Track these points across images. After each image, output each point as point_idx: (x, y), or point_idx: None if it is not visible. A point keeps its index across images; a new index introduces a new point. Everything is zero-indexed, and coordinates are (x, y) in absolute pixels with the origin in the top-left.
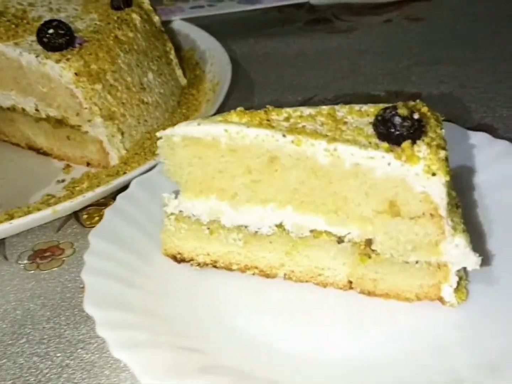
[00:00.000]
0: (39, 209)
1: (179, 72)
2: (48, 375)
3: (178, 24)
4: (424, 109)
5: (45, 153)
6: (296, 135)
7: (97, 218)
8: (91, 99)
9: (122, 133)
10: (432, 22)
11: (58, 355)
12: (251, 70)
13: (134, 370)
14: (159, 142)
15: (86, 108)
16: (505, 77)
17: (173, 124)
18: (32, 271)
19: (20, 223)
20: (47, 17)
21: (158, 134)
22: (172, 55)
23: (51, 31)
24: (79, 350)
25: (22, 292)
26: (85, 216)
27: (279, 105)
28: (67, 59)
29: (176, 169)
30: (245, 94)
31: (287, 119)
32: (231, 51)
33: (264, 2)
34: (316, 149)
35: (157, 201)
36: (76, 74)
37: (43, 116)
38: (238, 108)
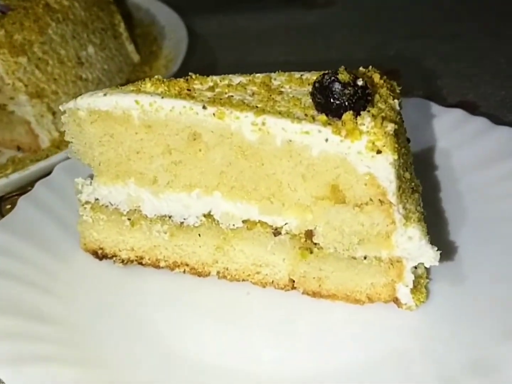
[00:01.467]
0: None
1: (130, 47)
2: None
3: None
4: (376, 76)
5: None
6: (218, 107)
7: None
8: (14, 74)
9: (53, 113)
10: None
11: None
12: (216, 48)
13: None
14: (63, 118)
15: (8, 84)
16: (489, 53)
17: None
18: None
19: None
20: None
21: (60, 107)
22: (122, 28)
23: None
24: None
25: None
26: (8, 207)
27: None
28: None
29: (86, 150)
30: (205, 74)
31: (211, 88)
32: (198, 27)
33: None
34: (242, 123)
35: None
36: None
37: None
38: (156, 76)
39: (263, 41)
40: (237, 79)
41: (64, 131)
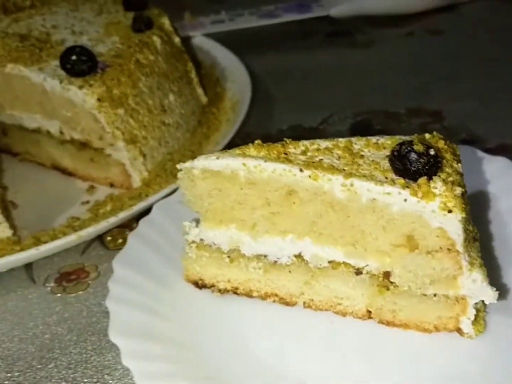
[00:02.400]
0: (64, 233)
1: (199, 90)
2: None
3: (199, 40)
4: (440, 142)
5: (70, 174)
6: (313, 170)
7: (120, 240)
8: (114, 124)
9: (144, 156)
10: (453, 35)
11: (85, 380)
12: (270, 86)
13: None
14: (179, 174)
15: (108, 133)
16: None
17: (194, 144)
18: (58, 295)
19: (46, 248)
20: (70, 40)
21: (178, 166)
22: (193, 74)
23: (74, 57)
24: (105, 376)
25: (49, 316)
26: (109, 238)
27: (298, 124)
28: (90, 85)
29: (196, 200)
30: (264, 112)
31: (304, 152)
32: (251, 66)
33: (284, 16)
34: (333, 184)
35: (178, 226)
36: (98, 99)
37: (68, 138)
38: (256, 141)
39: (313, 79)
40: (323, 143)
41: (151, 170)
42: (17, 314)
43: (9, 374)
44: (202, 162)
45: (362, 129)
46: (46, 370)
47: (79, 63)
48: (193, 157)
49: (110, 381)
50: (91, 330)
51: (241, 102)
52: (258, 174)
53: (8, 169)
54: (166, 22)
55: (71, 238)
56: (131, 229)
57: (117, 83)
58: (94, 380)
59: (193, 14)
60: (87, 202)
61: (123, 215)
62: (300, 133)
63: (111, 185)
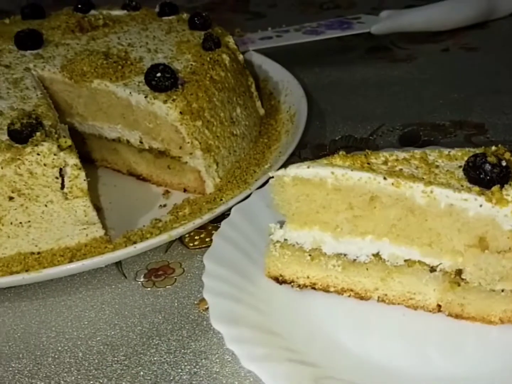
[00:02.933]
0: (151, 233)
1: (258, 103)
2: (180, 381)
3: (251, 55)
4: (507, 154)
5: (144, 179)
6: (395, 178)
7: (198, 241)
8: (193, 134)
9: (217, 163)
10: (487, 51)
11: (185, 363)
12: (319, 99)
13: (263, 380)
14: (271, 181)
15: (188, 143)
16: None
17: (258, 153)
18: (149, 288)
19: (141, 246)
20: (147, 57)
21: (270, 174)
22: (253, 88)
23: (158, 74)
24: (203, 360)
25: (144, 307)
26: (187, 239)
27: (350, 135)
28: (173, 100)
29: (284, 204)
30: (317, 124)
31: (385, 162)
32: (299, 80)
33: (328, 33)
34: (414, 191)
35: (255, 226)
36: (181, 113)
37: (146, 147)
38: (340, 152)
39: (359, 93)
40: (400, 155)
41: (222, 177)
42: (114, 306)
43: (115, 358)
44: (293, 171)
45: (410, 139)
46: (149, 355)
47: (163, 80)
48: (258, 165)
49: (208, 365)
50: (184, 319)
51: (298, 114)
52: (345, 181)
53: (87, 175)
54: (230, 40)
55: (163, 237)
56: (206, 230)
57: (195, 97)
58: (193, 363)
59: (243, 30)
60: (165, 205)
61: (207, 217)
62: (352, 143)
63: (185, 190)
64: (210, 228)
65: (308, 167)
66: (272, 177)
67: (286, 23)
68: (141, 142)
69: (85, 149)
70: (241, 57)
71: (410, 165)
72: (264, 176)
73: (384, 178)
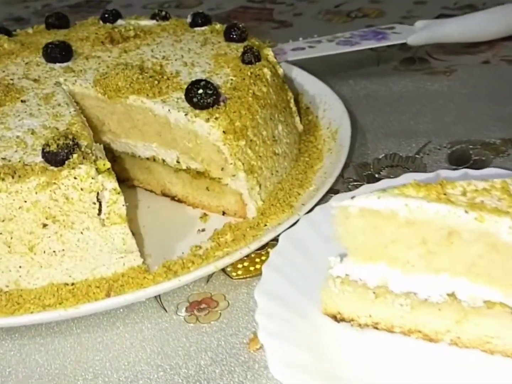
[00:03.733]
0: (192, 262)
1: (297, 119)
2: None
3: (284, 67)
4: None
5: (179, 200)
6: (479, 212)
7: (241, 270)
8: (236, 155)
9: (260, 185)
10: None
11: None
12: (357, 114)
13: None
14: (333, 211)
15: (231, 164)
16: None
17: (300, 173)
18: (192, 324)
19: (186, 279)
20: (184, 72)
21: (333, 203)
22: (292, 103)
23: (200, 91)
24: None
25: (188, 346)
26: (230, 268)
27: (394, 153)
28: (216, 118)
29: (348, 236)
30: (358, 140)
31: (463, 193)
32: (335, 92)
33: (363, 44)
34: (500, 226)
35: (305, 256)
36: (224, 132)
37: (183, 167)
38: (412, 180)
39: (397, 107)
40: (479, 184)
41: (265, 200)
42: (155, 344)
43: None
44: (361, 201)
45: (460, 159)
46: None
47: (205, 96)
48: (301, 186)
49: None
50: (234, 361)
51: (341, 132)
52: (419, 214)
53: None
54: (269, 53)
55: (209, 269)
56: (250, 258)
57: (238, 115)
58: None
59: (274, 40)
60: (203, 230)
61: (254, 246)
62: (398, 162)
63: (224, 213)
64: (253, 255)
65: (379, 198)
66: (336, 207)
67: (314, 32)
68: (178, 161)
69: (116, 167)
70: (281, 70)
71: (492, 196)
72: (311, 199)
73: (466, 212)
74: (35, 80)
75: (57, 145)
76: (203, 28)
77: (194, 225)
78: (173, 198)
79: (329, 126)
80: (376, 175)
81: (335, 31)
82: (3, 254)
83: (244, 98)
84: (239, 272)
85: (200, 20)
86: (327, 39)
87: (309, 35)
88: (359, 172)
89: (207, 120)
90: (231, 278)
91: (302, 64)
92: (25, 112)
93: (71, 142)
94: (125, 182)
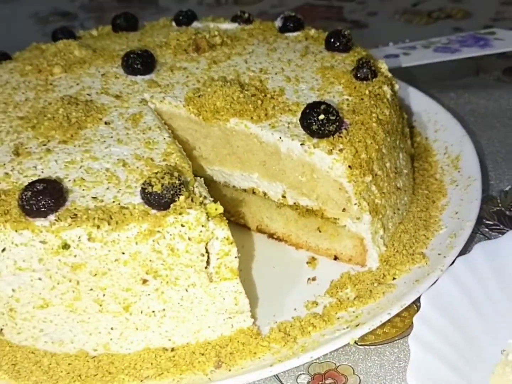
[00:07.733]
0: (313, 325)
1: (409, 142)
2: None
3: None
4: None
5: (278, 239)
6: None
7: (367, 334)
8: (361, 194)
9: (384, 228)
10: None
11: None
12: (468, 133)
13: None
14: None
15: (355, 204)
16: None
17: (422, 210)
18: None
19: (318, 355)
20: (289, 89)
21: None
22: (405, 124)
23: (321, 116)
24: None
25: None
26: None
27: None
28: (340, 150)
29: None
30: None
31: None
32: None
33: (465, 51)
34: None
35: (453, 324)
36: (349, 167)
37: (290, 203)
38: None
39: (510, 124)
40: None
41: (388, 244)
42: None
43: None
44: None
45: None
46: None
47: (328, 124)
48: (427, 228)
49: None
50: None
51: (465, 160)
52: None
53: None
54: (383, 66)
55: (343, 341)
56: None
57: (364, 145)
58: None
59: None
60: (314, 279)
61: (395, 310)
62: None
63: (335, 257)
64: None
65: None
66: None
67: (394, 35)
68: (284, 196)
69: None
70: (396, 87)
71: None
72: (452, 250)
73: None
74: (116, 97)
75: (162, 186)
76: (295, 33)
77: (301, 271)
78: (270, 235)
79: (446, 151)
80: (507, 212)
81: (419, 34)
82: (93, 314)
83: (367, 123)
84: (367, 338)
85: (293, 24)
86: (422, 44)
87: (390, 38)
88: (484, 208)
89: (330, 152)
90: (356, 343)
91: (392, 73)
92: (111, 137)
93: (177, 181)
94: None
